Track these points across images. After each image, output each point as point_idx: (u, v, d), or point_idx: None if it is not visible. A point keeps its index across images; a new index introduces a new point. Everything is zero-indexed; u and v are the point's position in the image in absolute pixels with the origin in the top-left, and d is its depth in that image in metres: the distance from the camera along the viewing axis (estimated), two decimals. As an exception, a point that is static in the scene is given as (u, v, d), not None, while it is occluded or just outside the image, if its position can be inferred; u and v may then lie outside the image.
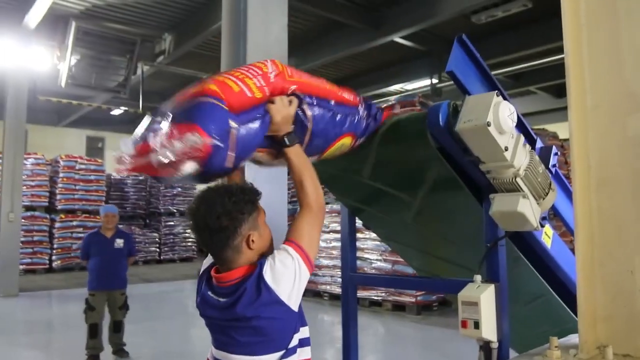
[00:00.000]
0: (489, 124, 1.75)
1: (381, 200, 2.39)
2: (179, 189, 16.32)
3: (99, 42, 10.19)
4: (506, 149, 1.81)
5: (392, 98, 10.10)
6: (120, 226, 6.19)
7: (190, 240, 16.46)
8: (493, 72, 8.90)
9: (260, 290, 1.49)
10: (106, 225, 5.62)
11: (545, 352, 1.88)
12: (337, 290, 9.03)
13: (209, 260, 1.72)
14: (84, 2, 9.45)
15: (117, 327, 5.51)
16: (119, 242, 5.57)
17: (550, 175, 2.07)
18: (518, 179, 1.86)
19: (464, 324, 2.01)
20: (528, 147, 1.94)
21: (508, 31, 10.84)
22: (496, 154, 1.82)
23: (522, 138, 1.90)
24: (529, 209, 1.88)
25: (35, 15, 8.94)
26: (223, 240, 1.53)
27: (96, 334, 5.41)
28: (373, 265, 8.26)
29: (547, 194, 1.98)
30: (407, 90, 12.77)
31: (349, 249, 2.39)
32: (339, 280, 8.86)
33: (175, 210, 16.23)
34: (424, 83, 12.22)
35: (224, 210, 1.52)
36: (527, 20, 10.33)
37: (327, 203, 10.36)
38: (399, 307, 8.16)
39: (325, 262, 9.22)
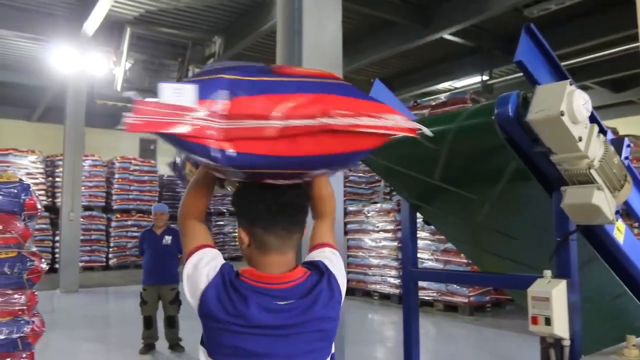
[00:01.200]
0: (562, 114, 1.70)
1: (442, 198, 2.35)
2: (229, 189, 16.56)
3: (152, 47, 10.51)
4: (580, 139, 1.76)
5: (442, 96, 9.92)
6: (173, 225, 6.35)
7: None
8: None
9: (333, 289, 1.43)
10: (156, 223, 5.82)
11: (622, 350, 1.82)
12: (387, 289, 8.97)
13: (212, 268, 1.42)
14: (138, 9, 9.76)
15: (170, 322, 5.66)
16: (167, 239, 5.74)
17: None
18: (592, 171, 1.81)
19: (534, 320, 1.96)
20: (602, 137, 1.87)
21: (562, 24, 10.51)
22: (569, 145, 1.77)
23: (596, 128, 1.83)
24: (604, 202, 1.82)
25: (93, 23, 9.30)
26: (302, 225, 1.46)
27: (151, 325, 5.64)
28: (424, 264, 8.16)
29: (622, 186, 1.90)
30: (456, 88, 12.58)
31: (410, 244, 2.37)
32: (389, 279, 8.88)
33: (225, 210, 16.51)
34: (473, 80, 11.99)
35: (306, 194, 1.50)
36: (581, 13, 9.99)
37: (374, 202, 10.41)
38: (450, 308, 8.04)
39: (375, 261, 9.19)
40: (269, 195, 1.40)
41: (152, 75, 10.76)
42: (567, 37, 10.69)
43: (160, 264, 5.64)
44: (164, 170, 16.29)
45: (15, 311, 2.22)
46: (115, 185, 14.00)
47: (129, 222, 14.09)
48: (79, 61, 10.11)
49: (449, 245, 7.91)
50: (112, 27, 10.27)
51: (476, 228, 2.45)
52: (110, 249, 13.74)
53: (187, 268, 1.37)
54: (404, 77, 13.19)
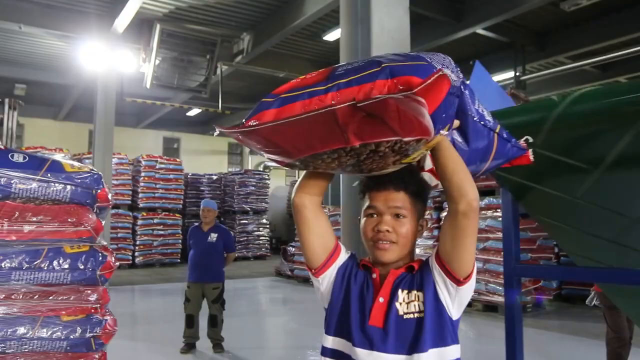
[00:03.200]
0: None
1: (557, 174, 2.14)
2: (252, 188, 16.52)
3: (181, 44, 10.45)
4: None
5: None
6: (223, 225, 6.31)
7: (263, 238, 16.64)
8: (579, 63, 8.31)
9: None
10: (204, 220, 5.70)
11: None
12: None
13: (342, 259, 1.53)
14: (169, 5, 9.71)
15: (212, 321, 5.55)
16: (213, 237, 5.62)
17: None
18: None
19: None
20: None
21: (600, 18, 10.24)
22: None
23: None
24: None
25: (123, 20, 9.25)
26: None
27: (192, 324, 5.50)
28: (461, 264, 7.97)
29: None
30: (488, 84, 12.29)
31: (513, 237, 2.20)
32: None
33: (249, 209, 16.44)
34: (505, 76, 11.74)
35: None
36: (619, 6, 9.72)
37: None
38: (489, 308, 7.83)
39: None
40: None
41: (181, 73, 10.70)
42: (603, 31, 10.41)
43: (204, 262, 5.52)
44: (189, 168, 16.29)
45: (88, 309, 2.11)
46: (142, 184, 14.00)
47: (155, 221, 14.08)
48: (109, 59, 10.08)
49: (489, 243, 7.72)
50: (142, 24, 10.24)
51: (586, 211, 2.24)
52: (137, 247, 13.74)
53: None
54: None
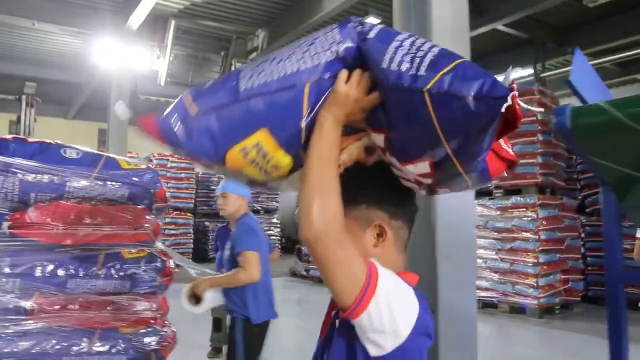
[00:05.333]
0: None
1: None
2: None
3: (195, 41, 10.28)
4: None
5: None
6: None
7: (274, 237, 16.47)
8: (599, 60, 8.05)
9: None
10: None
11: None
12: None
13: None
14: (183, 1, 9.52)
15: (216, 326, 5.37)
16: None
17: None
18: None
19: None
20: None
21: (621, 14, 10.02)
22: None
23: None
24: None
25: (138, 16, 9.06)
26: None
27: (219, 327, 5.34)
28: (487, 264, 7.78)
29: None
30: (506, 81, 12.09)
31: (617, 239, 1.99)
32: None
33: (260, 208, 16.27)
34: (525, 73, 11.54)
35: None
36: (642, 1, 9.51)
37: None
38: (516, 310, 7.63)
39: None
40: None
41: (195, 70, 10.53)
42: (624, 28, 10.20)
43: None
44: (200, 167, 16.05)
45: (148, 320, 1.93)
46: (153, 183, 13.82)
47: (167, 220, 13.87)
48: (124, 56, 9.90)
49: (515, 244, 7.52)
50: (156, 20, 10.04)
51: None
52: (148, 247, 13.58)
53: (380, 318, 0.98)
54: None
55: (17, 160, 1.75)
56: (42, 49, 11.92)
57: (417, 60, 1.02)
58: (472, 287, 2.98)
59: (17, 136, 1.87)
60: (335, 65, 1.10)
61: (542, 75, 11.08)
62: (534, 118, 7.44)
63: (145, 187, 1.98)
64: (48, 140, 1.91)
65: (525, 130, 7.47)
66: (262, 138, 1.10)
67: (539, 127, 7.54)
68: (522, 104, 0.92)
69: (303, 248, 12.22)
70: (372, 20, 9.82)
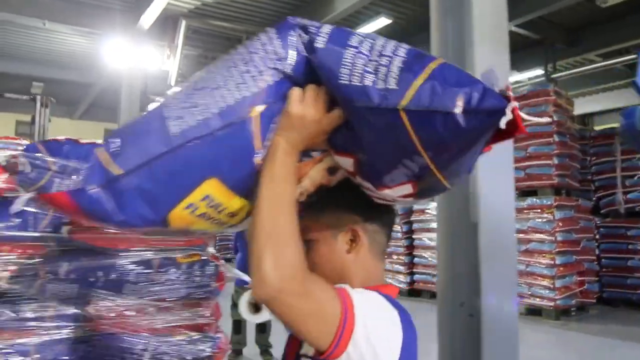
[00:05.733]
0: None
1: None
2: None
3: (206, 40, 10.24)
4: None
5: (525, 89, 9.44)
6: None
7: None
8: (611, 61, 7.97)
9: None
10: None
11: None
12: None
13: None
14: (194, 1, 9.48)
15: (261, 327, 5.32)
16: None
17: None
18: None
19: None
20: None
21: (633, 15, 9.97)
22: None
23: None
24: None
25: (149, 16, 9.03)
26: None
27: (239, 330, 5.33)
28: (502, 266, 7.72)
29: None
30: (517, 81, 12.06)
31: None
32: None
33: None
34: (535, 73, 11.50)
35: None
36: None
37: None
38: (532, 312, 7.58)
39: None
40: None
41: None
42: (635, 29, 10.15)
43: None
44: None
45: (202, 326, 1.88)
46: (160, 184, 13.78)
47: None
48: (134, 56, 9.85)
49: (531, 245, 7.47)
50: (167, 20, 10.00)
51: None
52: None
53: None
54: (460, 71, 12.74)
55: (73, 163, 1.70)
56: (51, 48, 11.88)
57: (383, 69, 0.84)
58: (513, 290, 2.93)
59: (70, 138, 1.82)
60: (283, 85, 0.94)
61: (552, 75, 11.03)
62: (550, 119, 7.38)
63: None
64: (98, 141, 1.86)
65: (542, 131, 7.42)
66: (211, 189, 0.91)
67: (555, 128, 7.49)
68: (524, 115, 0.77)
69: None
70: (383, 20, 9.81)
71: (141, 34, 9.60)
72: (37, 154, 1.54)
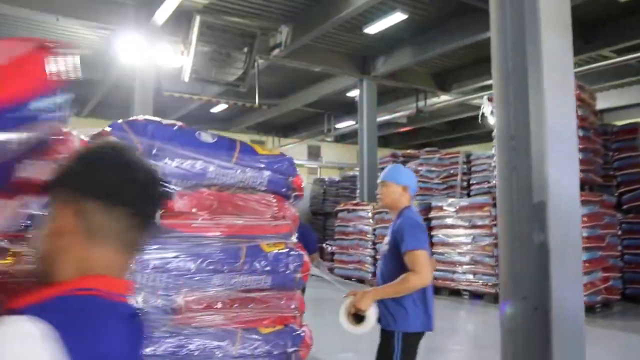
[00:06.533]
0: None
1: None
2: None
3: (220, 36, 10.09)
4: None
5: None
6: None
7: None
8: (627, 57, 7.83)
9: None
10: None
11: None
12: (481, 288, 8.45)
13: None
14: (208, -4, 9.37)
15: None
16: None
17: None
18: None
19: None
20: None
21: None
22: None
23: None
24: None
25: (164, 12, 8.91)
26: None
27: None
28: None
29: None
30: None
31: None
32: (483, 277, 8.29)
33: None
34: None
35: None
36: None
37: (450, 197, 9.83)
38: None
39: (463, 259, 8.66)
40: None
41: (219, 66, 10.34)
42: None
43: None
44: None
45: (287, 318, 1.77)
46: (170, 182, 13.64)
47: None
48: (148, 52, 9.73)
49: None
50: (180, 16, 9.86)
51: None
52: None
53: None
54: (474, 68, 12.67)
55: (158, 144, 1.59)
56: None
57: None
58: (579, 285, 2.83)
59: (151, 118, 1.71)
60: None
61: (569, 71, 10.90)
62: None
63: (283, 175, 1.82)
64: (179, 123, 1.75)
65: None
66: None
67: (579, 123, 7.38)
68: None
69: (326, 247, 12.08)
70: (399, 16, 9.70)
71: (155, 30, 9.47)
72: (124, 133, 1.43)
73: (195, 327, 1.61)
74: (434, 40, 10.95)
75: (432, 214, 8.93)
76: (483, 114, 8.10)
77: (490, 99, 7.51)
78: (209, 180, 1.68)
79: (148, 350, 1.52)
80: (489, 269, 8.23)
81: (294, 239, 1.87)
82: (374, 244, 10.37)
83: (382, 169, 3.72)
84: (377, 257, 9.38)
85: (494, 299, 7.76)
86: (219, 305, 1.66)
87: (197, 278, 1.61)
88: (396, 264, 2.54)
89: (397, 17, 9.76)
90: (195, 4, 9.59)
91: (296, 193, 1.86)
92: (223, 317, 1.66)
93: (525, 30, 2.83)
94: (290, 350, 1.77)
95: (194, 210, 1.60)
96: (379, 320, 2.52)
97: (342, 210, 11.71)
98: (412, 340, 2.50)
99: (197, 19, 9.64)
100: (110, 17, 9.36)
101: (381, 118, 14.29)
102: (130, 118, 1.67)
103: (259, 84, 11.73)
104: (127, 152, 0.89)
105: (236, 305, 1.69)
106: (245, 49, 10.54)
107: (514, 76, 2.85)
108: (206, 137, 1.72)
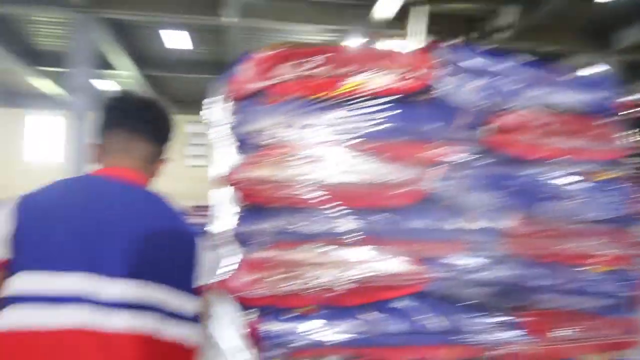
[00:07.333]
0: None
1: None
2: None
3: (446, 25, 10.04)
4: None
5: None
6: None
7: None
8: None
9: None
10: None
11: None
12: None
13: None
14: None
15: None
16: None
17: None
18: None
19: None
20: None
21: None
22: None
23: None
24: None
25: (383, 7, 9.13)
26: None
27: None
28: None
29: None
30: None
31: None
32: None
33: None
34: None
35: None
36: None
37: None
38: None
39: None
40: None
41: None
42: None
43: None
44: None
45: (615, 259, 1.55)
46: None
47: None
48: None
49: None
50: (402, 9, 9.96)
51: None
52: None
53: None
54: None
55: (482, 61, 1.53)
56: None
57: None
58: None
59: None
60: None
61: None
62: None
63: (603, 95, 1.61)
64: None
65: None
66: None
67: None
68: None
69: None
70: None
71: (379, 27, 9.75)
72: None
73: (519, 258, 1.50)
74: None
75: None
76: None
77: None
78: (529, 100, 1.55)
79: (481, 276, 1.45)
80: None
81: (626, 168, 1.64)
82: None
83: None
84: None
85: None
86: (540, 235, 1.52)
87: (519, 201, 1.50)
88: None
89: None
90: (417, -6, 9.59)
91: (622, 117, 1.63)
92: (544, 250, 1.52)
93: None
94: (619, 294, 1.54)
95: (519, 130, 1.49)
96: None
97: None
98: None
99: (423, 9, 9.66)
100: (334, 19, 9.94)
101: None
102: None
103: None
104: None
105: (559, 237, 1.53)
106: (475, 34, 10.32)
107: None
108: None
